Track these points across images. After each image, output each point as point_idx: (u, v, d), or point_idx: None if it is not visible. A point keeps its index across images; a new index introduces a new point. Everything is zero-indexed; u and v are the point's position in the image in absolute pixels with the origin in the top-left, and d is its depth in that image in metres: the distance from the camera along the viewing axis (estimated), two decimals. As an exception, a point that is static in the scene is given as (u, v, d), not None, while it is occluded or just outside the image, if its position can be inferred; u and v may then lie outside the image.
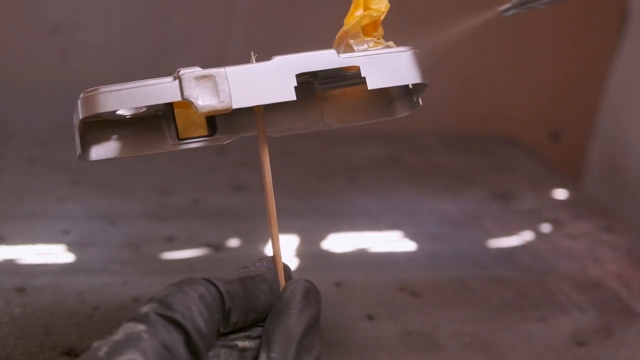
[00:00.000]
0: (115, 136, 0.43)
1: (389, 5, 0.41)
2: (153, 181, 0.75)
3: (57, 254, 0.59)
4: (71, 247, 0.60)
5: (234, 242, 0.64)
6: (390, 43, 0.41)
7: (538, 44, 1.02)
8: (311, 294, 0.37)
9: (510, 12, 0.47)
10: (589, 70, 1.04)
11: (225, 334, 0.36)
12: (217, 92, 0.38)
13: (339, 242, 0.67)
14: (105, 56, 0.87)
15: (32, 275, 0.55)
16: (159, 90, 0.39)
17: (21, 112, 0.87)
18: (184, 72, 0.38)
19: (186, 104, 0.38)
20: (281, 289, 0.37)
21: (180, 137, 0.43)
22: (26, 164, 0.76)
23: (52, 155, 0.79)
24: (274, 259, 0.38)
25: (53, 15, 0.85)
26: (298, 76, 0.39)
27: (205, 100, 0.38)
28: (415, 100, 0.43)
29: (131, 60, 0.88)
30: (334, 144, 0.91)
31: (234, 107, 0.38)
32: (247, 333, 0.36)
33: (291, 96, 0.38)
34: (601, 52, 1.02)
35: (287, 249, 0.64)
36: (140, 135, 0.44)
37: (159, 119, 0.43)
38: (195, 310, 0.33)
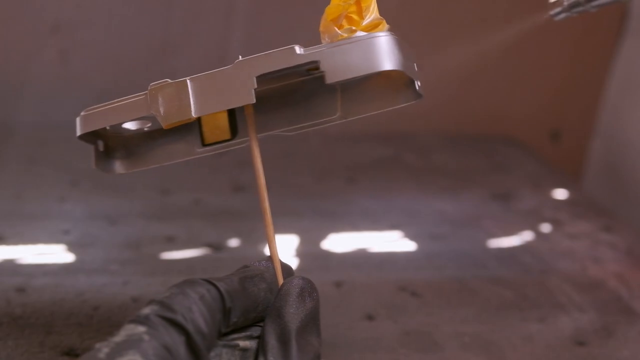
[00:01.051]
0: (147, 147, 0.45)
1: None
2: (153, 181, 0.75)
3: (57, 254, 0.59)
4: (71, 247, 0.60)
5: (234, 242, 0.64)
6: (384, 28, 0.39)
7: (538, 44, 1.02)
8: (305, 291, 0.37)
9: (561, 15, 0.46)
10: (589, 70, 1.04)
11: (226, 334, 0.36)
12: (179, 103, 0.39)
13: (339, 242, 0.67)
14: (105, 56, 0.87)
15: (32, 275, 0.55)
16: (132, 107, 0.40)
17: (21, 111, 0.87)
18: (152, 85, 0.39)
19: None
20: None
21: (205, 142, 0.43)
22: (26, 164, 0.76)
23: (52, 155, 0.79)
24: (272, 258, 0.38)
25: (53, 15, 0.85)
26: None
27: (167, 112, 0.39)
28: (417, 88, 0.41)
29: (131, 61, 0.88)
30: (334, 144, 0.91)
31: (194, 115, 0.38)
32: (247, 333, 0.36)
33: (250, 99, 0.37)
34: (601, 52, 1.02)
35: (287, 249, 0.64)
36: (171, 144, 0.44)
37: (188, 126, 0.43)
38: (196, 311, 0.33)
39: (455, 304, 0.59)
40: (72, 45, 0.86)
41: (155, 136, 0.44)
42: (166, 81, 0.39)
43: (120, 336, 0.31)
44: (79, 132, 0.41)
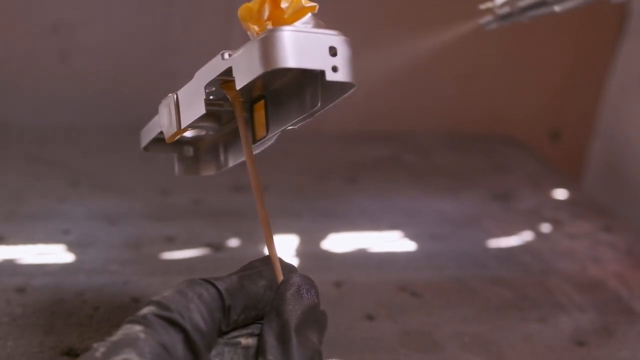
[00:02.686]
0: (230, 146, 0.46)
1: None
2: (153, 181, 0.75)
3: (57, 254, 0.59)
4: (71, 247, 0.60)
5: (234, 242, 0.64)
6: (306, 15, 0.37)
7: (538, 44, 1.02)
8: (303, 288, 0.36)
9: (492, 25, 0.45)
10: (589, 70, 1.04)
11: (227, 332, 0.36)
12: (170, 117, 0.40)
13: (339, 242, 0.67)
14: (105, 56, 0.87)
15: (32, 275, 0.55)
16: (155, 124, 0.42)
17: (21, 112, 0.87)
18: (162, 101, 0.40)
19: (261, 105, 0.40)
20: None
21: (256, 139, 0.42)
22: (26, 164, 0.76)
23: (52, 155, 0.79)
24: (270, 256, 0.38)
25: (53, 15, 0.85)
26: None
27: (165, 126, 0.40)
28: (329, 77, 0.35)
29: (131, 61, 0.88)
30: (334, 144, 0.91)
31: (177, 129, 0.39)
32: (249, 330, 0.36)
33: (201, 110, 0.38)
34: (601, 52, 1.02)
35: (287, 249, 0.64)
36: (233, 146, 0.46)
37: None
38: (194, 310, 0.33)
39: (455, 304, 0.59)
40: (72, 46, 0.86)
41: (233, 136, 0.45)
42: (168, 96, 0.40)
43: (117, 335, 0.32)
44: (141, 146, 0.44)
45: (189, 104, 0.39)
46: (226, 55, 0.36)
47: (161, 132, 0.42)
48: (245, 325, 0.37)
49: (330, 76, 0.35)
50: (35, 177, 0.73)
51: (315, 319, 0.36)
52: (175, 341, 0.32)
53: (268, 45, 0.34)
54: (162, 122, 0.40)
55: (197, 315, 0.33)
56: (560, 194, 0.85)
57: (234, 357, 0.35)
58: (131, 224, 0.66)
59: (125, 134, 0.83)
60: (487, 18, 0.45)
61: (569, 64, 1.04)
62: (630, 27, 0.97)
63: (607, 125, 1.01)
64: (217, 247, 0.63)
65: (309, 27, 0.37)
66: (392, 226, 0.71)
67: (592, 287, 0.63)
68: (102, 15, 0.86)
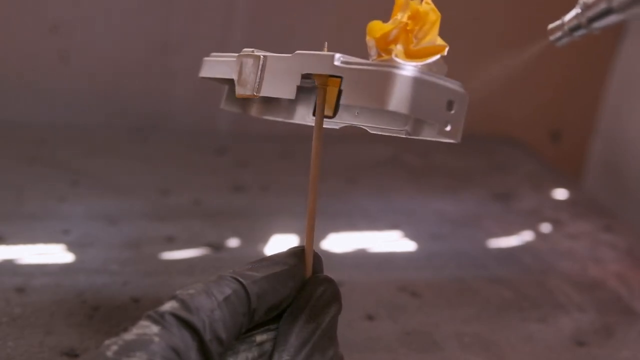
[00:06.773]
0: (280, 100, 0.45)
1: (435, 16, 0.36)
2: (153, 181, 0.75)
3: (57, 254, 0.59)
4: (71, 247, 0.60)
5: (234, 242, 0.64)
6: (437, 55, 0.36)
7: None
8: (328, 294, 0.37)
9: (563, 40, 0.45)
10: (589, 70, 1.04)
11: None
12: (252, 77, 0.38)
13: (339, 242, 0.67)
14: (104, 56, 0.87)
15: (32, 275, 0.55)
16: (227, 66, 0.41)
17: (21, 111, 0.87)
18: (242, 51, 0.39)
19: (335, 81, 0.37)
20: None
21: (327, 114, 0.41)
22: (26, 164, 0.76)
23: (52, 155, 0.79)
24: (305, 252, 0.38)
25: (53, 15, 0.85)
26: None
27: (242, 82, 0.39)
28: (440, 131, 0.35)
29: (131, 61, 0.88)
30: (334, 144, 0.91)
31: (256, 94, 0.38)
32: (264, 327, 0.36)
33: (290, 95, 0.37)
34: (601, 52, 1.02)
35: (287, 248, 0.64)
36: (296, 104, 0.45)
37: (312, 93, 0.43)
38: (217, 315, 0.32)
39: (455, 304, 0.59)
40: (72, 45, 0.86)
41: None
42: (252, 51, 0.38)
43: (131, 334, 0.30)
44: (200, 74, 0.43)
45: (275, 77, 0.37)
46: (338, 62, 0.34)
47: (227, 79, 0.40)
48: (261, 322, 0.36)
49: (441, 132, 0.33)
50: (35, 177, 0.73)
51: (335, 325, 0.37)
52: (189, 347, 0.31)
53: (388, 83, 0.32)
54: (237, 74, 0.38)
55: (220, 324, 0.32)
56: (561, 193, 0.85)
57: (248, 355, 0.35)
58: (131, 224, 0.66)
59: (125, 134, 0.83)
60: (557, 34, 0.44)
61: (569, 64, 1.04)
62: (630, 27, 0.97)
63: (607, 124, 1.01)
64: (217, 247, 0.63)
65: (432, 70, 0.35)
66: (392, 226, 0.71)
67: (592, 287, 0.63)
68: (102, 15, 0.86)
